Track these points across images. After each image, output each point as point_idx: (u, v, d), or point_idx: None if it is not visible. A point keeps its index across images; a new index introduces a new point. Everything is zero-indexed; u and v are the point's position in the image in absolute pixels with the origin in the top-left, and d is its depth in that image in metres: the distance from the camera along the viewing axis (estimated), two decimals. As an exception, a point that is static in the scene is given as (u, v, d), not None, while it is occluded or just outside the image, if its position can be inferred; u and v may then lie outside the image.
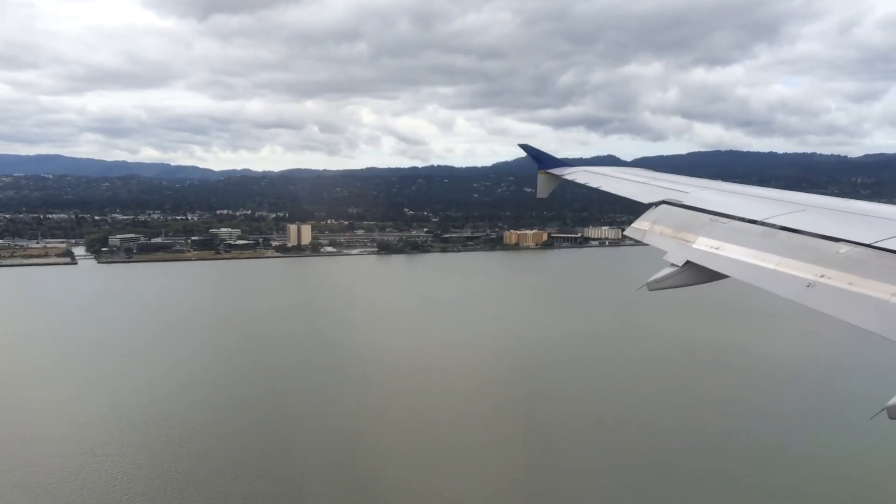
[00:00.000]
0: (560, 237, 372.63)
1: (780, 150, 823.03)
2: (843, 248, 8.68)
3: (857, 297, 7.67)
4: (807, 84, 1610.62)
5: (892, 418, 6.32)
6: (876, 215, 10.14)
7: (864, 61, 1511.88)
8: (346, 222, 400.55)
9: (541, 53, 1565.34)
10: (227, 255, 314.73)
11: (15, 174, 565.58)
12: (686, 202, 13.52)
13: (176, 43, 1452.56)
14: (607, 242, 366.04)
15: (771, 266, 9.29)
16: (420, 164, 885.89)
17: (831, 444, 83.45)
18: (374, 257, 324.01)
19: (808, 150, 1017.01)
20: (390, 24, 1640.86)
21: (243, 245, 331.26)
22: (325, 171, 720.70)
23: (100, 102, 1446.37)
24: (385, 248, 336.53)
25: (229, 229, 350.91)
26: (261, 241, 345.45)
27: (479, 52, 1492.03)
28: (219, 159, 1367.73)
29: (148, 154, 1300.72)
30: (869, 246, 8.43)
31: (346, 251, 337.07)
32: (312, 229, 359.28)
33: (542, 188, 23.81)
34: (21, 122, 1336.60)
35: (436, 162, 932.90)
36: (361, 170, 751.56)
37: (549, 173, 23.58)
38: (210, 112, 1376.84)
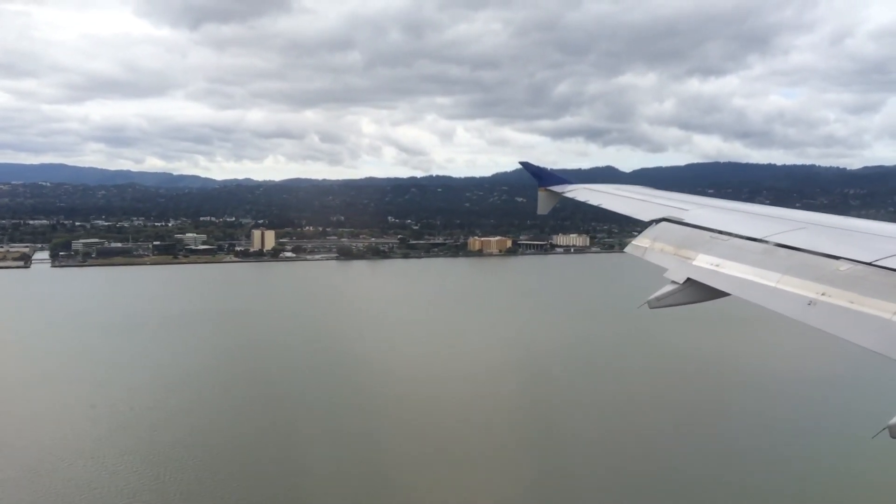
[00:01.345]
0: (525, 244, 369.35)
1: (780, 162, 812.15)
2: (844, 266, 8.60)
3: (857, 316, 7.61)
4: (803, 95, 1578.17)
5: (894, 437, 6.40)
6: (876, 233, 10.15)
7: (859, 73, 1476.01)
8: (321, 229, 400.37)
9: (534, 63, 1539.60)
10: (184, 260, 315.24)
11: (14, 182, 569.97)
12: (686, 220, 13.54)
13: (172, 52, 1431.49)
14: (573, 250, 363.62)
15: (771, 284, 9.19)
16: (420, 175, 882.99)
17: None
18: (333, 262, 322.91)
19: (808, 161, 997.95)
20: (382, 32, 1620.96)
21: (203, 250, 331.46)
22: (324, 180, 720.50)
23: (101, 111, 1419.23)
24: (346, 254, 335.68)
25: (195, 235, 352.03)
26: (225, 246, 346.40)
27: (473, 62, 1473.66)
28: (223, 169, 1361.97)
29: (152, 164, 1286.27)
30: (869, 264, 8.35)
31: (307, 257, 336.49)
32: (285, 235, 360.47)
33: (543, 205, 24.30)
34: (24, 131, 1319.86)
35: (437, 172, 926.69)
36: (360, 179, 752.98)
37: (549, 190, 23.93)
38: (211, 121, 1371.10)
